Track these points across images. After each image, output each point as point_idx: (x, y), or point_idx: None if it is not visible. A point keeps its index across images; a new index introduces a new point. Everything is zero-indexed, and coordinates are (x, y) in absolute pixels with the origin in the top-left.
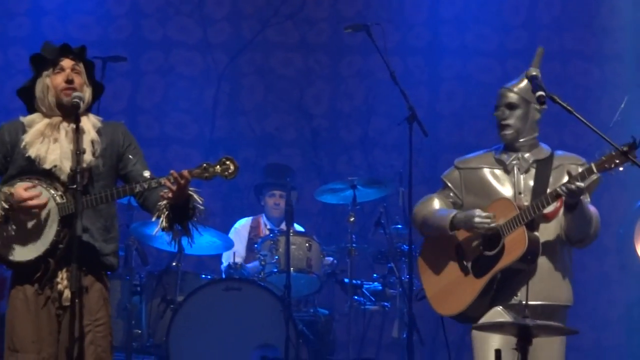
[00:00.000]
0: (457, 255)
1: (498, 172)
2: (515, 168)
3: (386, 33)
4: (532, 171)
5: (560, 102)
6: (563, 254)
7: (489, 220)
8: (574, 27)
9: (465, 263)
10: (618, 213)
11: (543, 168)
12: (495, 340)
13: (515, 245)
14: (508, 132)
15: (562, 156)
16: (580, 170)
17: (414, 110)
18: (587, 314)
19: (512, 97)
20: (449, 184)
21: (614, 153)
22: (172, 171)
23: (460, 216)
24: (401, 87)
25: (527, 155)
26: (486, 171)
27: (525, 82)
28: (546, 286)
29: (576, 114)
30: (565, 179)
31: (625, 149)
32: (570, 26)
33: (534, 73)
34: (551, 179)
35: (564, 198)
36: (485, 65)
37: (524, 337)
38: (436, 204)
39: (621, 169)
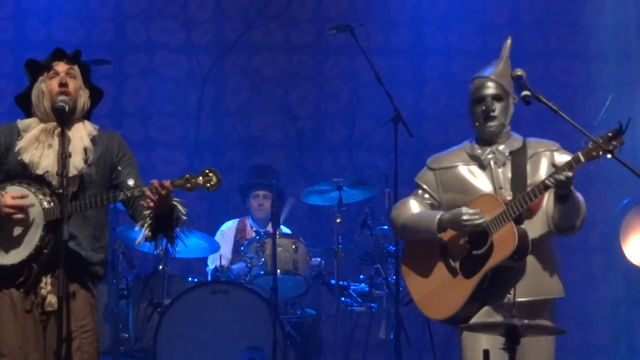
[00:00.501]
0: (443, 256)
1: (474, 168)
2: (491, 162)
3: (370, 34)
4: (509, 164)
5: (545, 101)
6: (551, 247)
7: (477, 217)
8: (558, 26)
9: (452, 264)
10: (603, 212)
11: (519, 159)
12: (483, 341)
13: (504, 242)
14: (494, 123)
15: (535, 143)
16: (567, 159)
17: (398, 111)
18: (574, 313)
19: (498, 88)
20: (424, 186)
21: (600, 140)
22: (153, 181)
23: (446, 216)
24: (386, 88)
25: (502, 147)
26: (462, 169)
27: (500, 69)
28: (537, 281)
29: (561, 113)
30: (544, 167)
31: (611, 135)
32: (554, 25)
33: (519, 73)
34: (528, 169)
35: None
36: (469, 65)
37: (511, 337)
38: (415, 206)
39: (609, 156)
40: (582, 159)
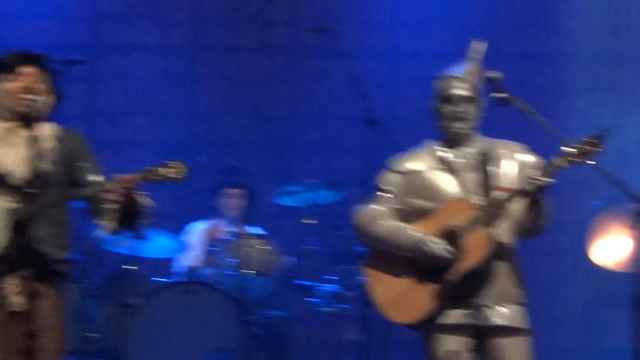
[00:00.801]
0: (410, 259)
1: (441, 172)
2: (459, 166)
3: (346, 36)
4: (476, 167)
5: (520, 104)
6: (515, 251)
7: (447, 255)
8: (533, 29)
9: (420, 267)
10: (572, 213)
11: (486, 162)
12: (452, 342)
13: (477, 246)
14: (463, 125)
15: (501, 144)
16: (534, 161)
17: (372, 113)
18: (542, 315)
19: (469, 89)
20: (389, 189)
21: (580, 145)
22: (116, 175)
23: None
24: (360, 90)
25: (468, 150)
26: (429, 173)
27: (472, 69)
28: (505, 287)
29: (537, 116)
30: (513, 170)
31: (592, 140)
32: (529, 28)
33: (495, 75)
34: (496, 172)
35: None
36: (445, 67)
37: (480, 337)
38: (385, 217)
39: (591, 162)
40: (563, 164)
